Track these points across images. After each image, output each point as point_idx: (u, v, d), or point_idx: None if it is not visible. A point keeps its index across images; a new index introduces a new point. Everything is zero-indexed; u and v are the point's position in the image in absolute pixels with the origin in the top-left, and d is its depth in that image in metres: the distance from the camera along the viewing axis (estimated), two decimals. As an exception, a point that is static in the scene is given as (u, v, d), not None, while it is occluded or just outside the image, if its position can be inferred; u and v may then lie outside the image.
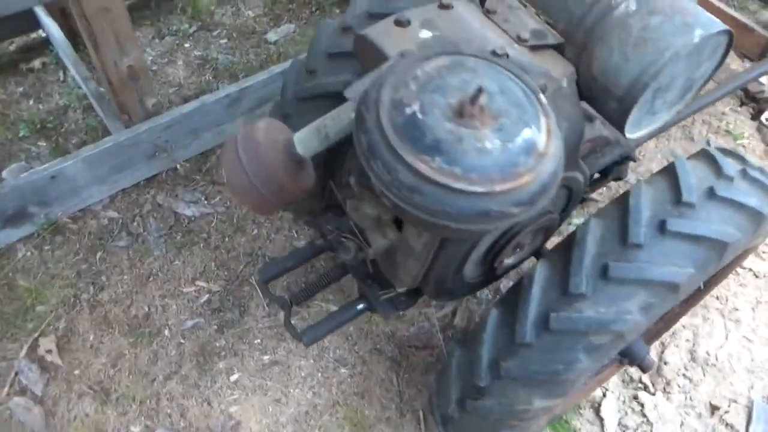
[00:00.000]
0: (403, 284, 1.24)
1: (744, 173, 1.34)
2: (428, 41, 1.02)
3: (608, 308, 1.20)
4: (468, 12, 1.09)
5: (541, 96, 0.78)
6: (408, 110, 0.75)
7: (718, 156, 1.37)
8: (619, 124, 1.08)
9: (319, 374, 2.20)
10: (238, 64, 3.06)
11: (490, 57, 0.84)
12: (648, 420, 2.18)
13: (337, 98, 1.63)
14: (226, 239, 2.50)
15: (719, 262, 1.27)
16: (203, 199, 2.61)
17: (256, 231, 2.54)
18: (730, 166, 1.34)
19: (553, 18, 1.07)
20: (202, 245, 2.47)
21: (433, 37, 1.03)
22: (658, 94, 1.07)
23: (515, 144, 0.75)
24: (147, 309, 2.30)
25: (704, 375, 2.30)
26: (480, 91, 0.72)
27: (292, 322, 1.60)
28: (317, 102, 1.69)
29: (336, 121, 1.15)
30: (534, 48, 1.05)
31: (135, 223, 2.52)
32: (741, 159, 1.41)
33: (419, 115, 0.74)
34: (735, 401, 2.24)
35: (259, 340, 2.26)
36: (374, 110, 0.75)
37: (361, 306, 1.61)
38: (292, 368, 2.20)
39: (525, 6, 1.11)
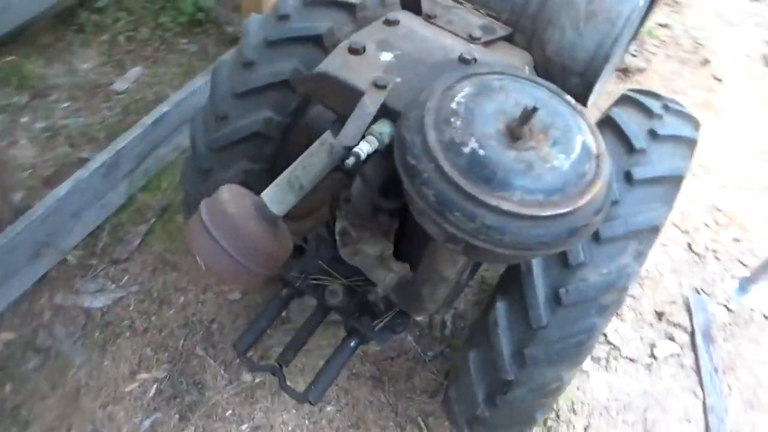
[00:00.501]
0: (428, 312, 1.19)
1: (667, 108, 1.44)
2: (393, 63, 0.96)
3: (609, 268, 1.25)
4: (414, 23, 1.04)
5: (566, 96, 0.76)
6: (466, 149, 0.69)
7: (642, 98, 1.46)
8: (583, 98, 1.11)
9: (306, 421, 2.07)
10: (93, 126, 2.73)
11: (508, 70, 0.80)
12: (614, 345, 2.34)
13: (259, 138, 1.51)
14: (153, 318, 2.24)
15: (678, 193, 1.37)
16: (109, 283, 2.31)
17: (182, 298, 2.31)
18: (654, 104, 1.44)
19: (495, 10, 1.06)
20: (128, 334, 2.19)
21: (396, 57, 0.97)
22: (611, 60, 1.11)
23: (577, 153, 0.73)
24: (91, 427, 2.00)
25: (642, 288, 2.52)
26: (534, 110, 0.68)
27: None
28: (237, 148, 1.55)
29: (308, 168, 1.06)
30: (487, 44, 1.04)
31: (39, 337, 2.16)
32: (656, 95, 1.52)
33: (480, 152, 0.69)
34: (674, 302, 2.49)
35: (230, 412, 2.07)
36: (430, 159, 0.68)
37: (354, 343, 1.52)
38: (276, 427, 2.05)
39: (462, 3, 1.08)
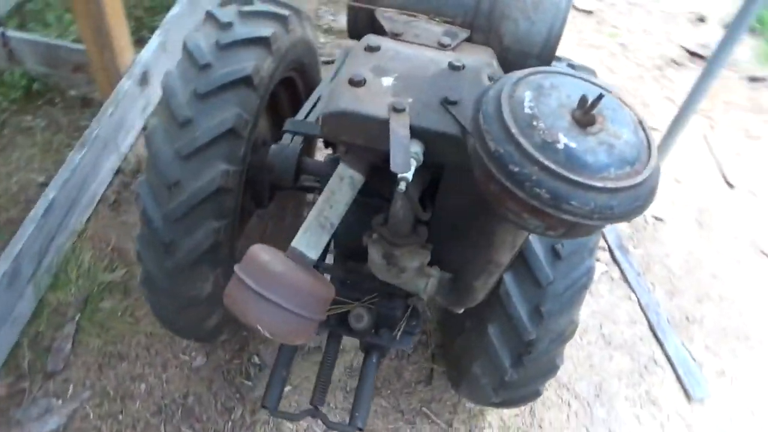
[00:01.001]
0: (477, 302, 1.25)
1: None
2: (397, 86, 0.99)
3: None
4: (391, 44, 1.08)
5: (596, 78, 0.87)
6: (559, 146, 0.76)
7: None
8: None
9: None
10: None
11: (549, 69, 0.88)
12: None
13: (221, 193, 1.45)
14: (120, 417, 2.04)
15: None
16: (54, 400, 2.06)
17: (143, 385, 2.13)
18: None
19: (449, 16, 1.14)
20: (98, 445, 1.98)
21: (396, 80, 1.01)
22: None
23: (632, 124, 0.84)
24: None
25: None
26: (600, 97, 0.77)
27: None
28: (199, 210, 1.48)
29: (334, 206, 1.07)
30: (455, 48, 1.11)
31: (-3, 488, 1.87)
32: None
33: (572, 144, 0.76)
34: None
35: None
36: (533, 163, 0.74)
37: (376, 358, 1.55)
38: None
39: (416, 16, 1.14)
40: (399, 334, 1.46)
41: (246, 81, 1.47)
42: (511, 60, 1.19)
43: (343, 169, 1.05)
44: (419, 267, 1.16)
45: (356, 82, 0.98)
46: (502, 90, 0.82)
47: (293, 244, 1.07)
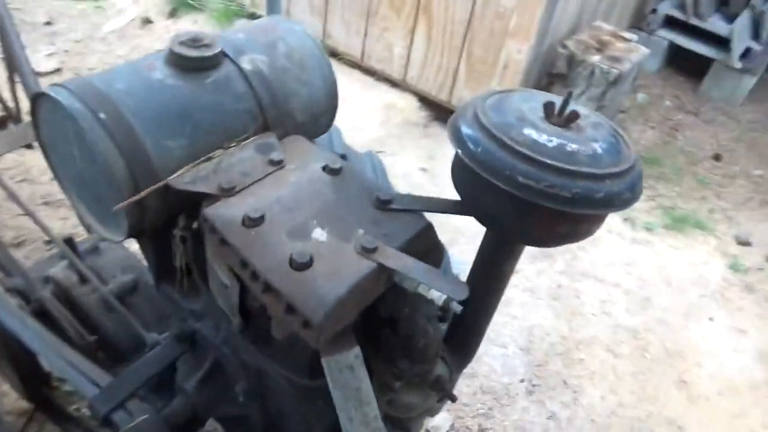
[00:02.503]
0: None
1: None
2: (321, 236, 0.85)
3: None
4: (254, 198, 0.88)
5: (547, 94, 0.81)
6: (568, 148, 0.71)
7: None
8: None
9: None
10: None
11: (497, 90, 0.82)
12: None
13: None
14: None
15: None
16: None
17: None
18: None
19: (240, 133, 0.97)
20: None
21: (312, 224, 0.86)
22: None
23: (606, 126, 0.79)
24: None
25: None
26: (570, 94, 0.71)
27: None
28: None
29: (367, 396, 0.89)
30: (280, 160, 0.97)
31: None
32: None
33: (567, 144, 0.71)
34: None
35: None
36: (552, 172, 0.70)
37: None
38: None
39: (211, 157, 0.96)
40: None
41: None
42: (307, 129, 1.10)
43: (342, 358, 0.87)
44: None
45: (299, 264, 0.82)
46: (477, 136, 0.76)
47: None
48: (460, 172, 0.85)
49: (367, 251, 0.82)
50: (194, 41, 0.97)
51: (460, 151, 0.79)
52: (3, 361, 1.49)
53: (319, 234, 0.85)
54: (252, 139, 1.02)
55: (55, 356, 1.14)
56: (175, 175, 0.91)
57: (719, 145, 3.84)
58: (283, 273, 0.80)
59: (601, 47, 3.26)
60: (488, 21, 3.09)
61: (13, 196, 1.37)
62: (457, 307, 0.82)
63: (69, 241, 1.38)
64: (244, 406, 1.11)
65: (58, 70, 3.40)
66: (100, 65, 3.54)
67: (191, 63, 0.96)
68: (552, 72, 3.23)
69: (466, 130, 0.80)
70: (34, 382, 1.47)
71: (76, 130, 0.87)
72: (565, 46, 3.20)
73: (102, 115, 0.85)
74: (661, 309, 2.61)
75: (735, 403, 2.29)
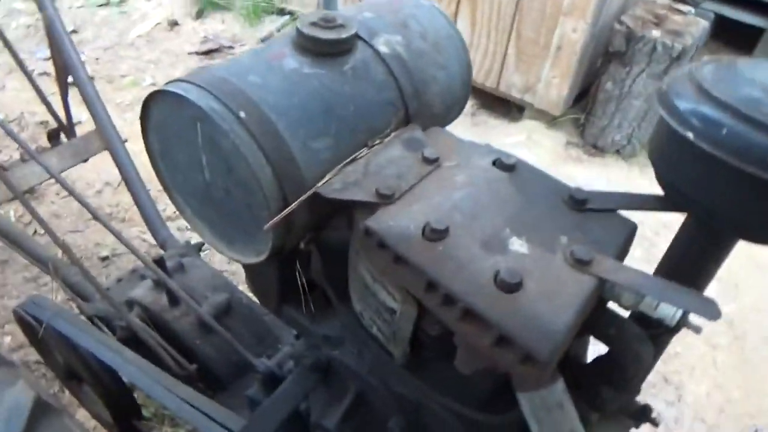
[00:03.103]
0: None
1: None
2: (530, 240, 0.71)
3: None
4: (415, 206, 0.72)
5: None
6: None
7: None
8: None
9: None
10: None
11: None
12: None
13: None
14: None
15: None
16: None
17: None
18: None
19: (383, 127, 0.82)
20: None
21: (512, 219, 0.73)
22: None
23: None
24: None
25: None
26: None
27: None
28: None
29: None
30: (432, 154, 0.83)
31: None
32: None
33: None
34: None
35: None
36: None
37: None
38: None
39: (357, 158, 0.83)
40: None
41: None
42: (439, 122, 0.93)
43: (549, 394, 0.72)
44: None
45: (510, 285, 0.63)
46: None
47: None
48: (682, 161, 0.69)
49: (582, 264, 0.67)
50: (326, 21, 0.82)
51: (692, 135, 0.64)
52: (92, 397, 1.36)
53: (518, 245, 0.70)
54: (395, 134, 0.87)
55: (167, 393, 1.00)
56: (323, 181, 0.77)
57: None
58: (489, 296, 0.65)
59: (658, 21, 3.08)
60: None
61: (95, 215, 1.23)
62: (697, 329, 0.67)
63: (160, 262, 1.24)
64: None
65: (91, 78, 3.27)
66: (133, 72, 3.41)
67: (327, 47, 0.81)
68: (609, 50, 3.05)
69: (697, 108, 0.65)
70: (127, 417, 1.34)
71: (211, 132, 0.73)
72: (621, 22, 3.02)
73: (242, 114, 0.71)
74: (753, 295, 2.44)
75: None
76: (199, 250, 1.53)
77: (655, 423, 0.85)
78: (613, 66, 3.07)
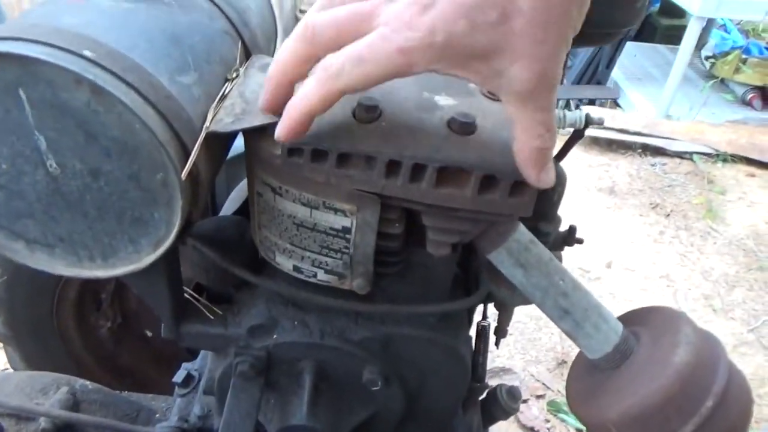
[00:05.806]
0: None
1: None
2: None
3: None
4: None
5: None
6: None
7: None
8: None
9: None
10: None
11: None
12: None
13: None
14: None
15: None
16: None
17: None
18: None
19: (234, 65, 0.77)
20: None
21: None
22: None
23: None
24: None
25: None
26: None
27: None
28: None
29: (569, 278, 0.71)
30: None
31: None
32: None
33: None
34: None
35: None
36: None
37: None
38: None
39: None
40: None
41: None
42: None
43: (520, 236, 0.68)
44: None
45: (468, 126, 0.62)
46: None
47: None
48: None
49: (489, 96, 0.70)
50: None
51: None
52: None
53: (444, 100, 0.68)
54: (247, 64, 0.76)
55: None
56: (209, 118, 0.63)
57: None
58: (455, 144, 0.62)
59: None
60: None
61: None
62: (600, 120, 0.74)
63: None
64: (374, 399, 0.86)
65: None
66: None
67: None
68: None
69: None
70: None
71: (51, 92, 0.53)
72: None
73: (87, 53, 0.53)
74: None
75: None
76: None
77: (579, 241, 0.93)
78: None
